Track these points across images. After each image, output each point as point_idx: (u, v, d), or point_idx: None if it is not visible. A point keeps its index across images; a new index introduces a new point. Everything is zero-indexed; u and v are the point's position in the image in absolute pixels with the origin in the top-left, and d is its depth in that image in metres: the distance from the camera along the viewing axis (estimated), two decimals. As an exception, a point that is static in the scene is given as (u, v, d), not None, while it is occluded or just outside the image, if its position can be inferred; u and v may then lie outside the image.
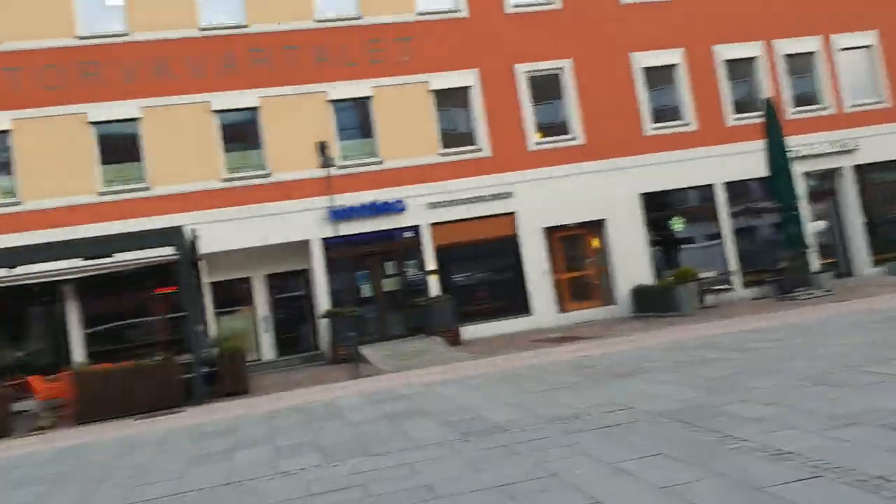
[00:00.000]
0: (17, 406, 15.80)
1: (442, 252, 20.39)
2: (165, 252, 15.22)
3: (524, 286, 20.68)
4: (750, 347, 10.97)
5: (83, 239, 14.80)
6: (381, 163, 20.06)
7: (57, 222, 17.74)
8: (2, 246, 15.90)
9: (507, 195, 20.61)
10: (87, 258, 15.71)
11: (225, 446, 8.76)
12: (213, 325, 18.83)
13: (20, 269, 16.03)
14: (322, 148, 14.83)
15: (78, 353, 18.25)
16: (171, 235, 14.49)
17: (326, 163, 14.72)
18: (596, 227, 21.43)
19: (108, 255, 15.75)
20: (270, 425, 9.85)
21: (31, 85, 18.28)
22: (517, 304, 20.66)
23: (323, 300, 19.47)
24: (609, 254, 21.28)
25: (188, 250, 15.30)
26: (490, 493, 5.37)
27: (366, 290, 20.26)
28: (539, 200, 20.71)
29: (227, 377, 14.78)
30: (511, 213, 20.67)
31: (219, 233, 18.63)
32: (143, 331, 19.32)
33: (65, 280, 17.78)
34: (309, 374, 16.74)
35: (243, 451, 8.27)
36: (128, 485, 7.41)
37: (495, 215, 20.57)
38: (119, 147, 18.88)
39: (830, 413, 6.25)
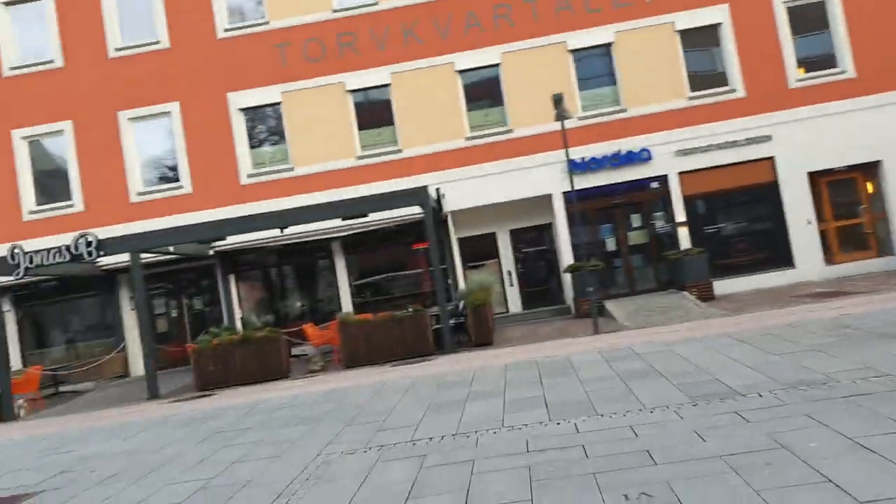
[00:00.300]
0: (296, 350, 17.76)
1: (692, 202, 19.41)
2: (413, 211, 16.05)
3: (785, 237, 19.09)
4: None
5: (341, 201, 16.02)
6: (624, 111, 19.43)
7: (321, 186, 19.40)
8: (277, 209, 17.67)
9: (765, 138, 19.02)
10: (345, 218, 17.02)
11: (461, 396, 9.17)
12: (461, 279, 19.61)
13: (291, 230, 17.80)
14: (557, 100, 14.64)
15: (346, 303, 19.99)
16: (416, 195, 15.23)
17: (561, 115, 14.50)
18: (870, 169, 19.12)
19: (364, 216, 16.94)
20: (505, 378, 10.12)
21: (295, 59, 20.00)
22: (777, 256, 19.16)
23: (567, 254, 19.45)
24: (886, 199, 18.92)
25: (433, 208, 16.00)
26: (709, 464, 5.11)
27: (611, 244, 19.89)
28: (802, 143, 18.88)
29: (473, 329, 15.37)
30: (769, 158, 19.07)
31: (464, 190, 19.25)
32: (402, 283, 20.63)
33: (333, 237, 19.48)
34: (552, 327, 16.90)
35: (476, 403, 8.60)
36: (371, 429, 8.04)
37: (751, 161, 19.09)
38: (373, 113, 20.11)
39: None
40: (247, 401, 12.13)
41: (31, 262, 15.35)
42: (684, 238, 19.23)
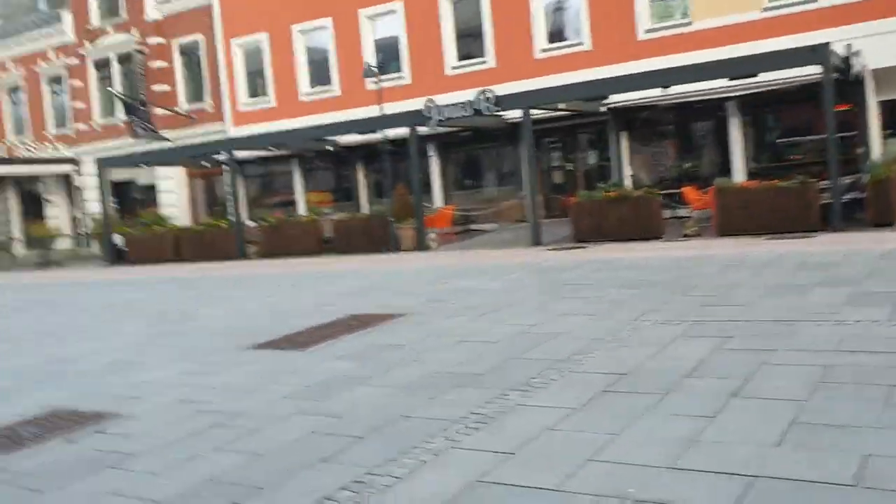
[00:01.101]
0: (673, 213, 17.68)
1: None
2: (811, 71, 14.37)
3: None
4: None
5: (726, 60, 14.97)
6: None
7: (721, 41, 18.17)
8: (670, 66, 17.19)
9: None
10: (733, 78, 15.88)
11: (811, 281, 8.57)
12: (877, 148, 17.28)
13: (681, 89, 17.23)
14: None
15: (739, 168, 19.07)
16: (815, 53, 13.60)
17: None
18: None
19: (753, 76, 15.61)
20: (875, 265, 9.12)
21: None
22: None
23: None
24: None
25: (836, 68, 14.19)
26: None
27: None
28: None
29: (871, 206, 13.73)
30: None
31: (891, 45, 16.54)
32: (806, 149, 18.92)
33: (727, 98, 18.44)
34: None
35: (820, 290, 8.00)
36: (697, 302, 8.02)
37: None
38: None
39: None
40: (607, 256, 12.71)
41: (440, 114, 17.37)
42: None
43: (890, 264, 9.15)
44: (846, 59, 15.24)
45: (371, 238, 18.79)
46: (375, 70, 19.21)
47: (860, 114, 17.29)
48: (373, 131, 20.49)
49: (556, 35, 21.37)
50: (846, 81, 16.41)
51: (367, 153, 24.51)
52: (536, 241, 16.46)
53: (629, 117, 20.39)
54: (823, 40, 15.90)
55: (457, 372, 6.22)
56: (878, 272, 8.70)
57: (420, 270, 13.69)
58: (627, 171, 20.59)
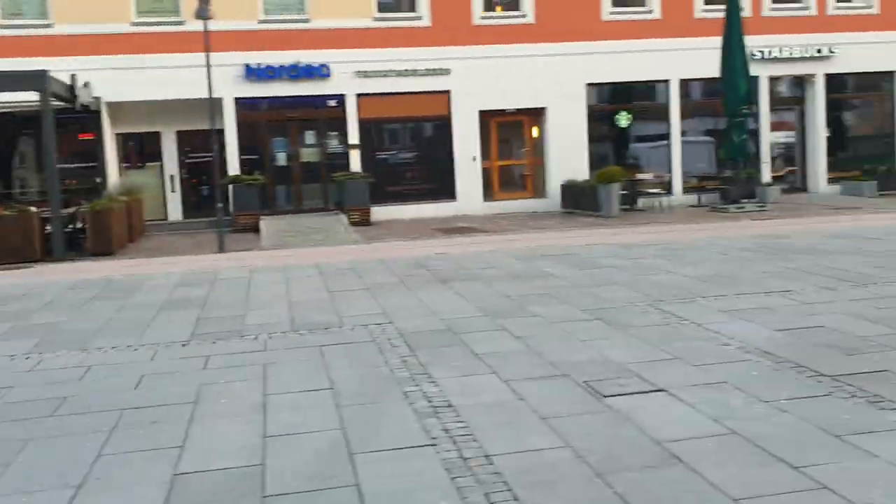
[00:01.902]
0: None
1: (367, 126, 19.18)
2: (32, 97, 14.00)
3: (452, 171, 19.54)
4: (604, 264, 10.03)
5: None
6: (307, 21, 18.53)
7: None
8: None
9: (444, 72, 19.11)
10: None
11: (-17, 316, 8.11)
12: (116, 180, 17.96)
13: None
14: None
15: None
16: (32, 80, 13.32)
17: (201, 13, 13.29)
18: (537, 114, 20.04)
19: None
20: (61, 295, 9.18)
21: None
22: (442, 188, 19.59)
23: (235, 164, 18.47)
24: (546, 145, 20.01)
25: (59, 97, 14.22)
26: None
27: (282, 159, 19.19)
28: (478, 81, 19.16)
29: (91, 237, 14.02)
30: (446, 92, 19.24)
31: (127, 80, 17.31)
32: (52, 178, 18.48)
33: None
34: (197, 240, 15.97)
35: (-18, 326, 7.60)
36: None
37: (429, 92, 19.14)
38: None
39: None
40: None
41: None
42: (356, 161, 19.03)
43: (76, 294, 9.30)
44: (71, 89, 15.30)
45: None
46: None
47: (100, 145, 17.72)
48: None
49: None
50: (85, 112, 16.64)
51: None
52: None
53: None
54: (64, 68, 15.79)
55: None
56: (58, 302, 8.73)
57: None
58: None
